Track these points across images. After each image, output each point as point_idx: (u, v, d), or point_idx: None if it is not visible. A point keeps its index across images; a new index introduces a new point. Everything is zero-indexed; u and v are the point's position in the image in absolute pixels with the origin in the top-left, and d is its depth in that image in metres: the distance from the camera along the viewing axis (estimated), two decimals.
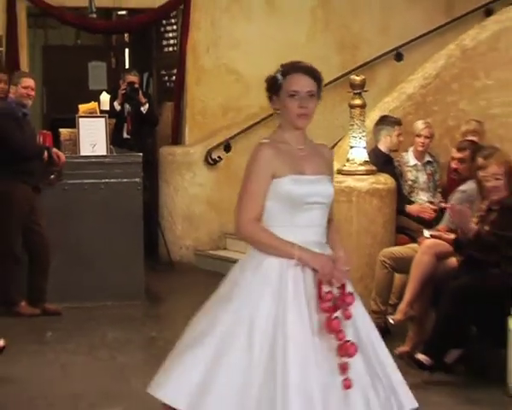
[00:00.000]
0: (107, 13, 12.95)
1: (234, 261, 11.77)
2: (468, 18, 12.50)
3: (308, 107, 4.52)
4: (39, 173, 9.62)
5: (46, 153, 9.61)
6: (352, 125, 9.79)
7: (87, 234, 9.88)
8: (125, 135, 12.14)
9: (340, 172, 9.82)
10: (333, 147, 10.89)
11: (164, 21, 12.89)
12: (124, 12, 13.16)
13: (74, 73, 14.19)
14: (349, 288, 4.42)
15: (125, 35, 14.75)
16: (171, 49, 12.99)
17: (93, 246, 9.88)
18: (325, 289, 4.31)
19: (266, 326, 4.30)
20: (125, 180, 10.20)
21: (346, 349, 4.23)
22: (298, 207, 4.42)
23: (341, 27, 12.78)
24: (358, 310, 4.48)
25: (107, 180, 10.11)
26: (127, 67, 14.38)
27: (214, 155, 12.38)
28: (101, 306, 9.63)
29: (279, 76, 4.54)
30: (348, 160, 9.82)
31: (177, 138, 12.64)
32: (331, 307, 4.27)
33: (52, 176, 9.74)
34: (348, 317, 4.32)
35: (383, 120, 10.03)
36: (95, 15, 11.47)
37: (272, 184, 4.45)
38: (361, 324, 4.45)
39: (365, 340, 4.42)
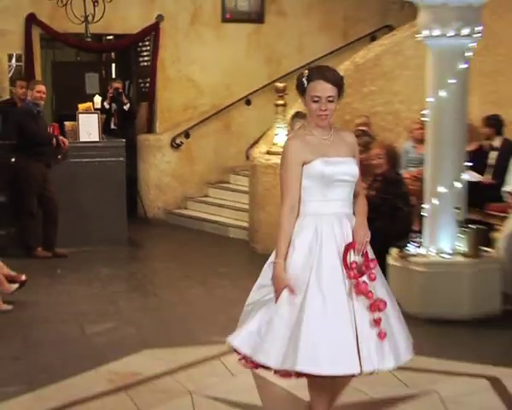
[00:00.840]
0: (99, 37, 12.82)
1: (192, 217, 11.98)
2: (359, 42, 12.54)
3: (327, 109, 3.94)
4: (50, 154, 9.59)
5: (55, 140, 9.62)
6: (277, 118, 9.88)
7: (85, 197, 9.83)
8: (113, 126, 12.10)
9: (268, 152, 9.90)
10: (262, 135, 10.96)
11: (140, 43, 12.80)
12: (111, 36, 13.06)
13: (75, 81, 14.02)
14: (370, 254, 3.98)
15: (112, 53, 14.64)
16: (145, 63, 12.89)
17: (89, 206, 9.83)
18: (350, 259, 3.89)
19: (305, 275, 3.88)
20: (113, 159, 10.14)
21: (377, 306, 3.84)
22: (329, 184, 3.94)
23: (269, 47, 12.75)
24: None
25: (99, 159, 10.05)
26: (114, 76, 14.26)
27: (177, 141, 12.34)
28: (96, 249, 9.59)
29: (305, 81, 3.97)
30: (274, 143, 9.89)
31: (150, 128, 12.59)
32: (357, 274, 3.85)
33: (59, 156, 9.72)
34: (373, 279, 3.90)
35: (297, 115, 10.06)
36: (90, 39, 11.37)
37: (305, 169, 3.95)
38: (379, 282, 4.00)
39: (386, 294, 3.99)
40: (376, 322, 3.82)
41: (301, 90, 4.00)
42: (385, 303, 3.85)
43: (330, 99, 3.93)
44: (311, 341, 3.75)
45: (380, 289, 3.93)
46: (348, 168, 3.99)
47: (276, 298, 3.87)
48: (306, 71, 3.99)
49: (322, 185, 3.95)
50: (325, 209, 3.96)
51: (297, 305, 3.83)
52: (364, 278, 3.87)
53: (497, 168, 8.80)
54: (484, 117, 9.44)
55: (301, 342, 3.74)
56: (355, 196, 4.08)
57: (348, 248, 3.89)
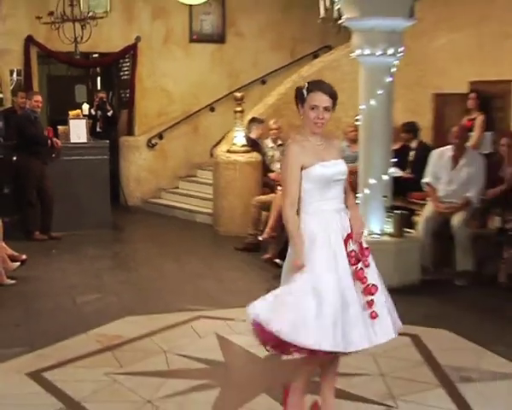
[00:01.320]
0: (86, 55, 12.67)
1: (165, 205, 11.93)
2: (304, 60, 12.56)
3: (324, 117, 3.74)
4: (46, 153, 9.47)
5: (50, 141, 9.53)
6: (236, 123, 9.87)
7: (76, 189, 9.71)
8: (98, 130, 12.00)
9: (228, 151, 9.89)
10: (224, 137, 10.95)
11: (121, 60, 12.68)
12: (96, 54, 12.92)
13: (66, 91, 13.90)
14: (364, 244, 3.85)
15: (98, 68, 14.49)
16: (125, 76, 12.75)
17: (79, 197, 9.71)
18: (349, 248, 3.75)
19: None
20: (99, 157, 10.03)
21: (369, 290, 3.70)
22: (328, 185, 3.76)
23: (229, 64, 12.72)
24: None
25: (87, 157, 9.93)
26: (99, 87, 14.14)
27: (153, 141, 12.27)
28: (85, 233, 9.48)
29: (305, 92, 3.77)
30: (233, 143, 9.89)
31: (130, 131, 12.47)
32: (355, 261, 3.73)
33: (54, 155, 9.61)
34: (367, 266, 3.77)
35: (253, 120, 10.11)
36: (79, 56, 11.26)
37: (304, 173, 3.74)
38: (371, 268, 3.83)
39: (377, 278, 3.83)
40: (369, 304, 3.71)
41: (301, 99, 3.80)
42: (376, 288, 3.74)
43: (326, 109, 3.76)
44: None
45: (372, 274, 3.81)
46: (342, 168, 3.83)
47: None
48: (306, 84, 3.82)
49: (321, 186, 3.77)
50: (325, 207, 3.78)
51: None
52: (360, 264, 3.75)
53: (414, 164, 8.91)
54: (401, 124, 9.51)
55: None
56: (345, 191, 3.91)
57: (347, 238, 3.78)
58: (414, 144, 9.30)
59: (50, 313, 6.32)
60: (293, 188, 3.75)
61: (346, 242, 3.76)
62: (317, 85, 3.81)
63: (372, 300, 3.72)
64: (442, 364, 5.00)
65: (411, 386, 4.64)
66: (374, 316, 3.71)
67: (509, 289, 6.91)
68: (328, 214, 3.78)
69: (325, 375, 3.94)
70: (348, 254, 3.74)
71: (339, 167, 3.83)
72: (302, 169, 3.75)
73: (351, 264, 3.73)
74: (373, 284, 3.73)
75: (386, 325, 3.80)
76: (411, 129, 9.32)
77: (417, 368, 4.97)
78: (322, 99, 3.75)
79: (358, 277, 3.73)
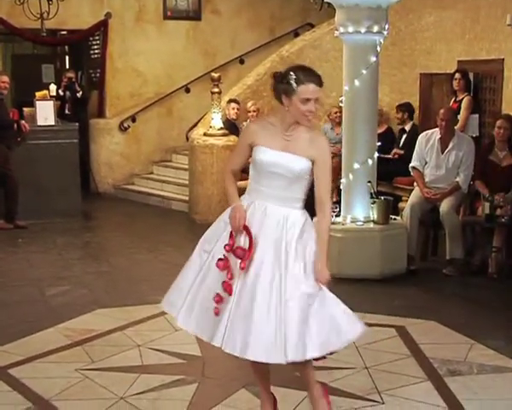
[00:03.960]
0: (54, 32, 12.54)
1: (139, 192, 11.88)
2: (284, 38, 12.55)
3: (315, 109, 3.65)
4: (11, 137, 9.39)
5: (16, 124, 9.46)
6: (213, 104, 9.84)
7: (43, 175, 9.64)
8: (67, 112, 11.91)
9: (205, 134, 9.88)
10: (200, 119, 10.92)
11: (91, 38, 12.58)
12: (65, 32, 12.80)
13: (32, 71, 13.74)
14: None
15: (66, 47, 14.36)
16: (96, 55, 12.67)
17: (47, 183, 9.64)
18: (237, 243, 3.66)
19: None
20: (67, 141, 9.94)
21: (225, 286, 3.61)
22: (262, 172, 3.70)
23: (205, 42, 12.67)
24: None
25: (55, 141, 9.84)
26: (67, 67, 14.00)
27: (125, 124, 12.21)
28: (53, 221, 9.44)
29: (293, 83, 3.59)
30: (210, 126, 9.87)
31: (100, 114, 12.39)
32: (231, 251, 3.64)
33: (19, 139, 9.54)
34: (242, 268, 3.60)
35: (230, 101, 10.11)
36: (45, 34, 11.15)
37: (253, 150, 3.73)
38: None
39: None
40: (216, 300, 3.62)
41: (287, 90, 3.62)
42: (229, 293, 3.59)
43: (317, 100, 3.65)
44: None
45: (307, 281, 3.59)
46: (293, 165, 3.65)
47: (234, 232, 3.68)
48: (292, 73, 3.62)
49: (257, 171, 3.73)
50: (254, 195, 3.75)
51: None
52: (235, 259, 3.62)
53: (404, 147, 8.99)
54: (398, 104, 9.57)
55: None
56: (318, 203, 3.70)
57: (244, 249, 3.62)
58: (408, 127, 9.39)
59: (16, 305, 6.28)
60: (236, 159, 3.90)
61: (232, 235, 3.68)
62: (307, 76, 3.64)
63: (219, 295, 3.62)
64: (429, 356, 5.04)
65: (397, 380, 4.66)
66: (216, 312, 3.61)
67: (499, 278, 6.97)
68: (258, 203, 3.72)
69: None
70: (231, 247, 3.65)
71: (289, 163, 3.66)
72: (253, 146, 3.75)
73: (226, 250, 3.66)
74: (228, 284, 3.60)
75: (233, 338, 3.57)
76: (407, 109, 9.40)
77: (403, 361, 5.00)
78: (314, 91, 3.63)
79: (225, 266, 3.64)
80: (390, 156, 9.15)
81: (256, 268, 3.61)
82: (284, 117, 3.71)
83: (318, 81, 3.67)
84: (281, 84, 3.68)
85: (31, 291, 6.71)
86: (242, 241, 3.68)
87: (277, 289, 3.56)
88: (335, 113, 9.65)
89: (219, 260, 3.67)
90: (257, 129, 3.78)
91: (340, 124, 8.45)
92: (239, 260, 3.63)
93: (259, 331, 3.53)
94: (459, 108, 8.63)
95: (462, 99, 8.68)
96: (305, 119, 3.67)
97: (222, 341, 3.59)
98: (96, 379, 4.69)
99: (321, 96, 3.72)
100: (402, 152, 9.06)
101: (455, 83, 8.74)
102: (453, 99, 8.85)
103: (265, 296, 3.56)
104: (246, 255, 3.61)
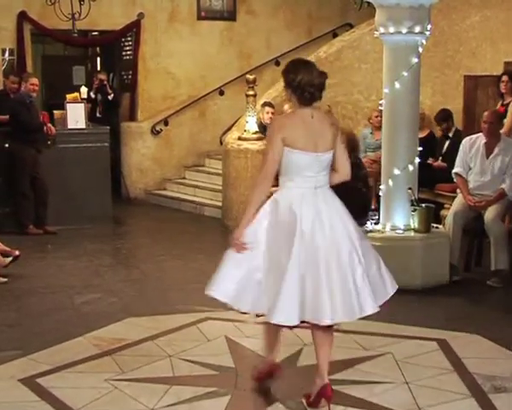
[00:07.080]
0: (85, 33, 12.70)
1: (171, 198, 11.96)
2: (322, 39, 12.55)
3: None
4: (41, 141, 9.51)
5: (45, 127, 9.57)
6: (247, 108, 9.86)
7: (73, 180, 9.75)
8: (98, 115, 12.07)
9: (239, 138, 9.89)
10: (235, 123, 10.94)
11: (123, 39, 12.70)
12: (96, 32, 12.94)
13: (63, 73, 13.94)
14: None
15: (97, 48, 14.52)
16: (128, 57, 12.78)
17: (77, 187, 9.74)
18: None
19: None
20: (98, 144, 10.05)
21: None
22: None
23: (240, 43, 12.72)
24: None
25: (85, 145, 9.96)
26: (99, 69, 14.15)
27: (157, 128, 12.28)
28: (83, 227, 9.53)
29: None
30: (245, 130, 9.88)
31: (132, 117, 12.49)
32: None
33: (49, 142, 9.65)
34: None
35: (265, 104, 10.11)
36: (76, 35, 11.30)
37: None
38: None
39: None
40: None
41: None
42: None
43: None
44: None
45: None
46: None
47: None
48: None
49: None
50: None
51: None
52: None
53: (447, 154, 8.91)
54: (436, 115, 9.46)
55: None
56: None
57: None
58: (451, 133, 9.32)
59: (45, 313, 6.33)
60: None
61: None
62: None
63: None
64: (472, 372, 4.97)
65: (438, 396, 4.61)
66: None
67: None
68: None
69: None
70: None
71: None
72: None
73: None
74: None
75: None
76: (445, 117, 9.32)
77: (445, 376, 4.93)
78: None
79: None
80: (431, 162, 9.07)
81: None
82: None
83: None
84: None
85: (60, 299, 6.77)
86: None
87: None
88: (376, 117, 9.59)
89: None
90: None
91: (379, 128, 8.38)
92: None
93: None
94: (506, 111, 8.53)
95: (510, 102, 8.58)
96: None
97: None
98: (125, 390, 4.70)
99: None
100: (445, 165, 8.92)
101: (502, 85, 8.64)
102: (500, 102, 8.75)
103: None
104: None
